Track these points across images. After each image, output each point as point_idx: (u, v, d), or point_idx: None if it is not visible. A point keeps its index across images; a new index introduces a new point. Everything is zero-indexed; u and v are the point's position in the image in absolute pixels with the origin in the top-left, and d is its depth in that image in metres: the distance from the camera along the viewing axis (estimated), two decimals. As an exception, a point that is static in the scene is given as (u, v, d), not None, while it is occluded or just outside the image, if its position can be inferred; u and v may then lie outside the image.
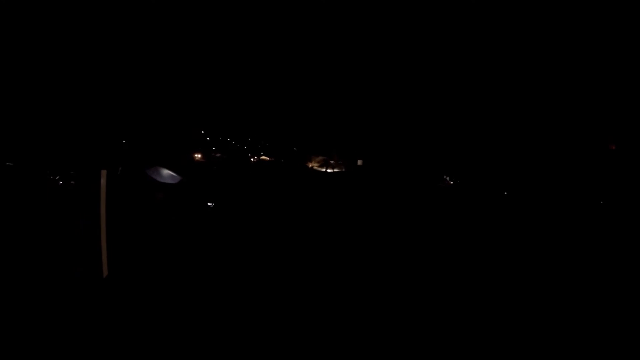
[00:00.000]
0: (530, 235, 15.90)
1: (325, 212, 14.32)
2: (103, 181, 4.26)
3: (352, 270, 7.10)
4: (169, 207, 6.13)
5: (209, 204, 7.32)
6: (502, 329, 5.17)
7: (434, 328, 4.90)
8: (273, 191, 19.79)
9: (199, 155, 47.05)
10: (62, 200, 4.84)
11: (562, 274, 9.19)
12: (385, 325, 4.78)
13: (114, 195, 4.50)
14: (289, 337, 4.16)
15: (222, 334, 4.05)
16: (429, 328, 4.88)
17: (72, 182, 4.92)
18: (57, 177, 5.03)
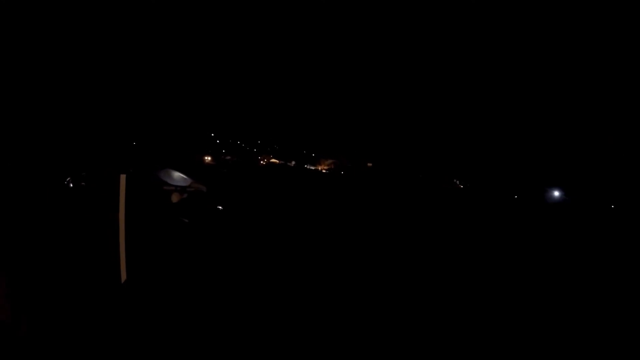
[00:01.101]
0: (538, 237, 15.71)
1: (334, 213, 14.25)
2: (122, 186, 4.24)
3: (364, 272, 7.04)
4: (180, 210, 6.12)
5: (218, 207, 7.29)
6: (507, 329, 5.10)
7: (439, 328, 4.85)
8: (282, 193, 19.76)
9: (209, 158, 47.30)
10: (76, 203, 4.83)
11: (570, 276, 9.06)
12: (392, 325, 4.73)
13: (125, 198, 4.52)
14: (303, 337, 4.13)
15: (238, 336, 4.02)
16: (434, 329, 4.82)
17: (82, 183, 4.92)
18: (68, 180, 5.03)
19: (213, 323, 4.44)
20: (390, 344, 4.45)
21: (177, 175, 6.44)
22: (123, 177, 4.43)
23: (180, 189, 6.25)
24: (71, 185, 5.24)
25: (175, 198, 6.21)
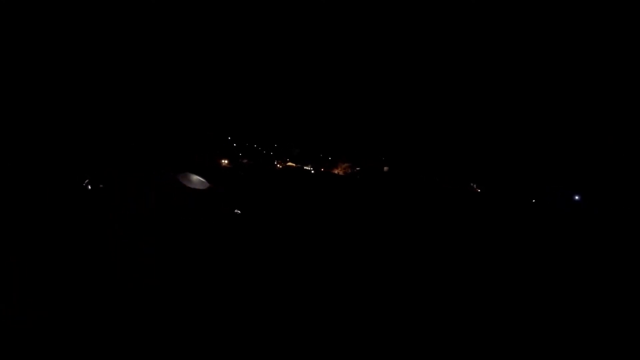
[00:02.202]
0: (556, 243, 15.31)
1: (351, 218, 14.11)
2: (148, 188, 4.23)
3: (381, 274, 6.93)
4: (198, 213, 6.08)
5: (236, 211, 7.22)
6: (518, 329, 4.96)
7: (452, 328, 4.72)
8: (298, 197, 19.71)
9: (226, 161, 47.53)
10: (92, 205, 4.82)
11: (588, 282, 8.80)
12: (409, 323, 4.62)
13: (145, 200, 4.51)
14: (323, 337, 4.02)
15: (254, 335, 3.93)
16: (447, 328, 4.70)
17: (100, 185, 4.92)
18: (87, 182, 5.03)
19: (232, 322, 4.37)
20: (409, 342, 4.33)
21: (195, 178, 6.41)
22: (146, 179, 4.41)
23: (199, 192, 6.19)
24: (89, 187, 5.22)
25: (193, 201, 6.15)
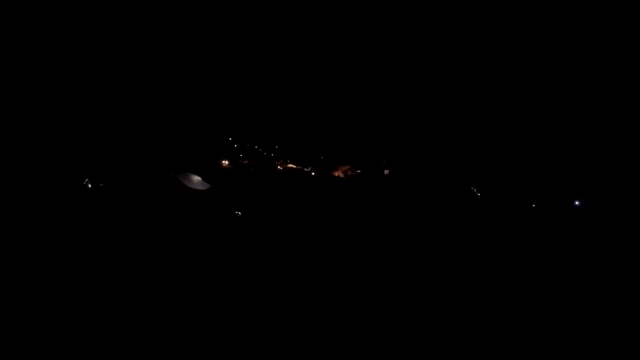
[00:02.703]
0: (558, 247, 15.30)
1: (351, 221, 14.09)
2: (148, 188, 4.26)
3: (383, 278, 6.92)
4: (198, 214, 6.07)
5: (237, 212, 7.21)
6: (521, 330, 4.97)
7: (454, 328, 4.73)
8: (299, 199, 19.70)
9: (227, 162, 47.52)
10: (93, 204, 4.81)
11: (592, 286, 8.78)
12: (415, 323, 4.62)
13: (145, 200, 4.51)
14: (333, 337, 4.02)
15: (256, 336, 3.93)
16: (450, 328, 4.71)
17: (100, 184, 4.92)
18: (87, 181, 5.03)
19: (232, 321, 4.37)
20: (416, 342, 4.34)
21: (196, 179, 6.40)
22: (146, 179, 4.41)
23: (199, 193, 6.18)
24: (89, 186, 5.21)
25: (193, 202, 6.14)
